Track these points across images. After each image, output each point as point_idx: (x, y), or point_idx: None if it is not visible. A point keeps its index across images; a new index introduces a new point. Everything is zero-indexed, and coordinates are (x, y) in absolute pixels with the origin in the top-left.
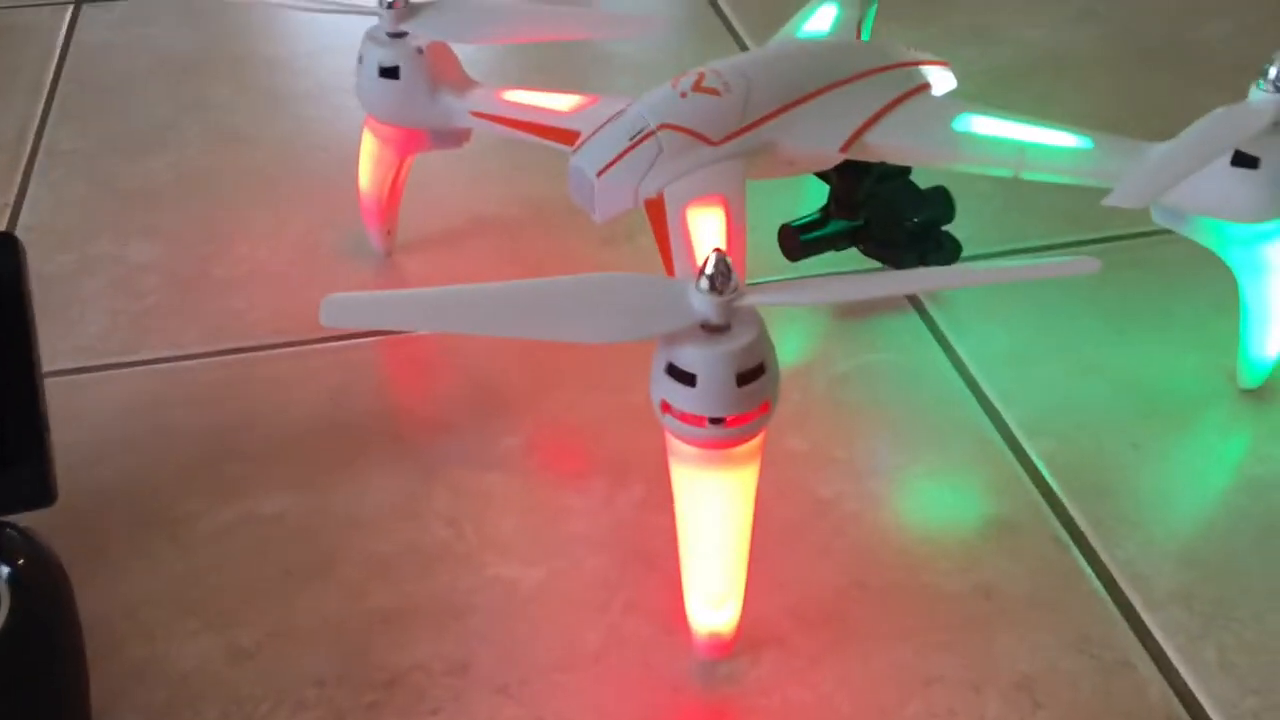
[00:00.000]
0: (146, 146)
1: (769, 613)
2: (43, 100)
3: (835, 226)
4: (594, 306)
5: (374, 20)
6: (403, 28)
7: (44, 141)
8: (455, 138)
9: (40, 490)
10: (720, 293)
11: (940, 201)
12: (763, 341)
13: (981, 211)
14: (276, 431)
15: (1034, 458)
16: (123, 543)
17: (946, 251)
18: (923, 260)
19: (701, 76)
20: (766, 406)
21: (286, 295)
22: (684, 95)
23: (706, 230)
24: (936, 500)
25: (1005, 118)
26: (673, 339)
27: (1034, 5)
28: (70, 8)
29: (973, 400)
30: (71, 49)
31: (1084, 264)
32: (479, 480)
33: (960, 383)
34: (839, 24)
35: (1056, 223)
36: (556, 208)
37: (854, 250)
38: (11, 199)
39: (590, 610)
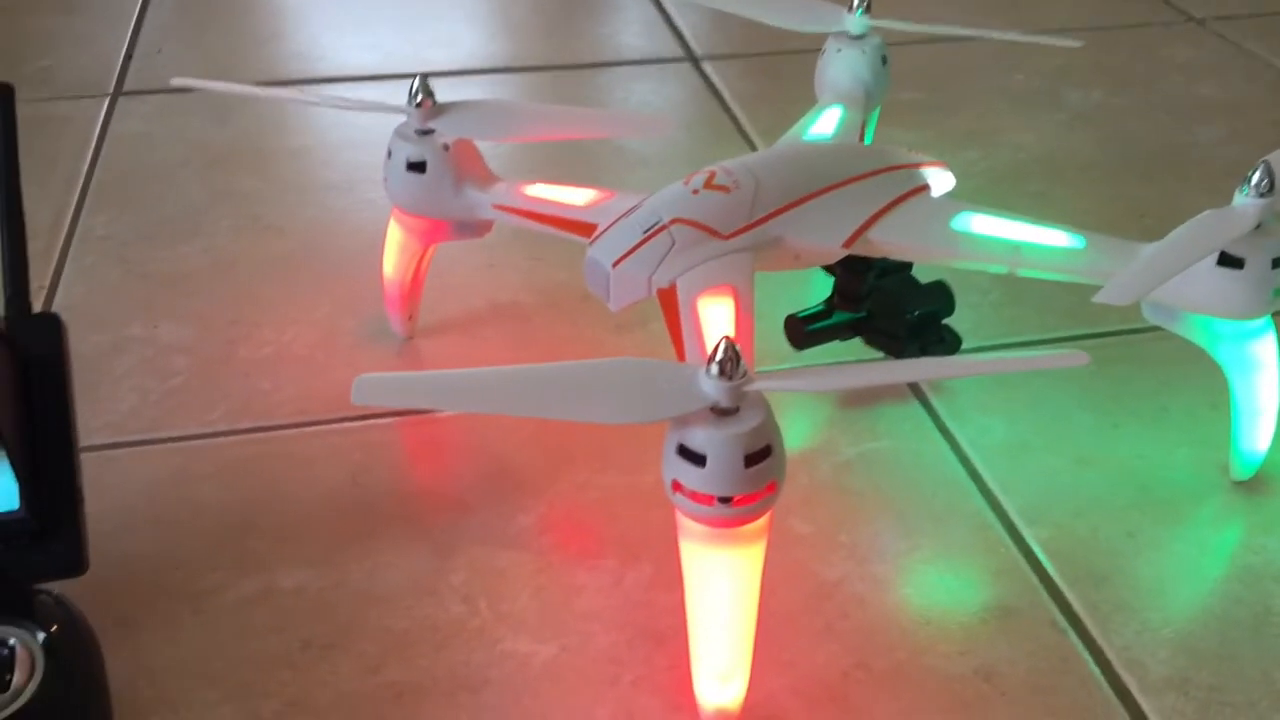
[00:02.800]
0: (177, 233)
1: (774, 691)
2: (79, 188)
3: (839, 318)
4: (609, 390)
5: (402, 117)
6: (430, 125)
7: (79, 227)
8: (477, 229)
9: (73, 560)
10: (729, 378)
11: (940, 295)
12: (769, 424)
13: (980, 305)
14: (297, 508)
15: (1032, 544)
16: (147, 613)
17: (947, 343)
18: (924, 351)
19: (712, 175)
20: (773, 487)
21: (310, 376)
22: (695, 192)
23: (716, 319)
24: (938, 585)
25: (1002, 217)
26: (684, 421)
27: (1029, 111)
28: (106, 99)
29: (973, 488)
30: (107, 139)
31: (1074, 358)
32: (494, 558)
33: (961, 471)
34: (843, 127)
35: (1053, 317)
36: (571, 295)
37: (857, 341)
38: (47, 281)
39: (600, 686)
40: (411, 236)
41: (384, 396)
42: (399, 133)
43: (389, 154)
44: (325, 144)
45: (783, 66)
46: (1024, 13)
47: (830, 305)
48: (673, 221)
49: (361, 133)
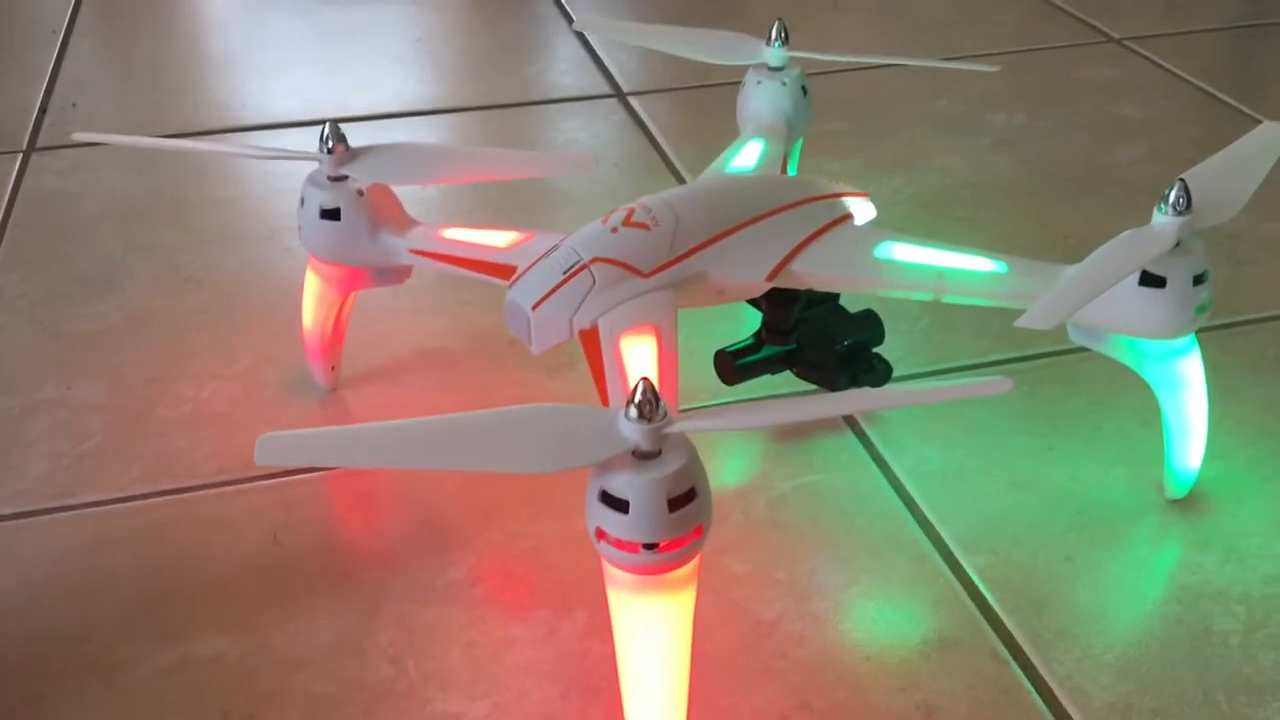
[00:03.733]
0: (92, 291)
1: None
2: None
3: (768, 351)
4: (525, 438)
5: (315, 164)
6: (343, 171)
7: None
8: (396, 275)
9: None
10: (649, 420)
11: (869, 324)
12: (693, 466)
13: (910, 332)
14: (217, 570)
15: (971, 574)
16: (56, 690)
17: (878, 373)
18: (855, 382)
19: (631, 212)
20: (700, 530)
21: (229, 433)
22: (614, 230)
23: (639, 359)
24: (877, 619)
25: (924, 245)
26: (605, 467)
27: (953, 136)
28: (19, 155)
29: (910, 518)
30: (20, 196)
31: (998, 385)
32: (422, 614)
33: (897, 501)
34: (764, 159)
35: (985, 341)
36: (499, 339)
37: (788, 373)
38: None
39: None
40: (329, 285)
41: (289, 455)
42: (311, 179)
43: (302, 201)
44: (248, 195)
45: (708, 100)
46: (946, 37)
47: (759, 339)
48: (593, 261)
49: (285, 181)
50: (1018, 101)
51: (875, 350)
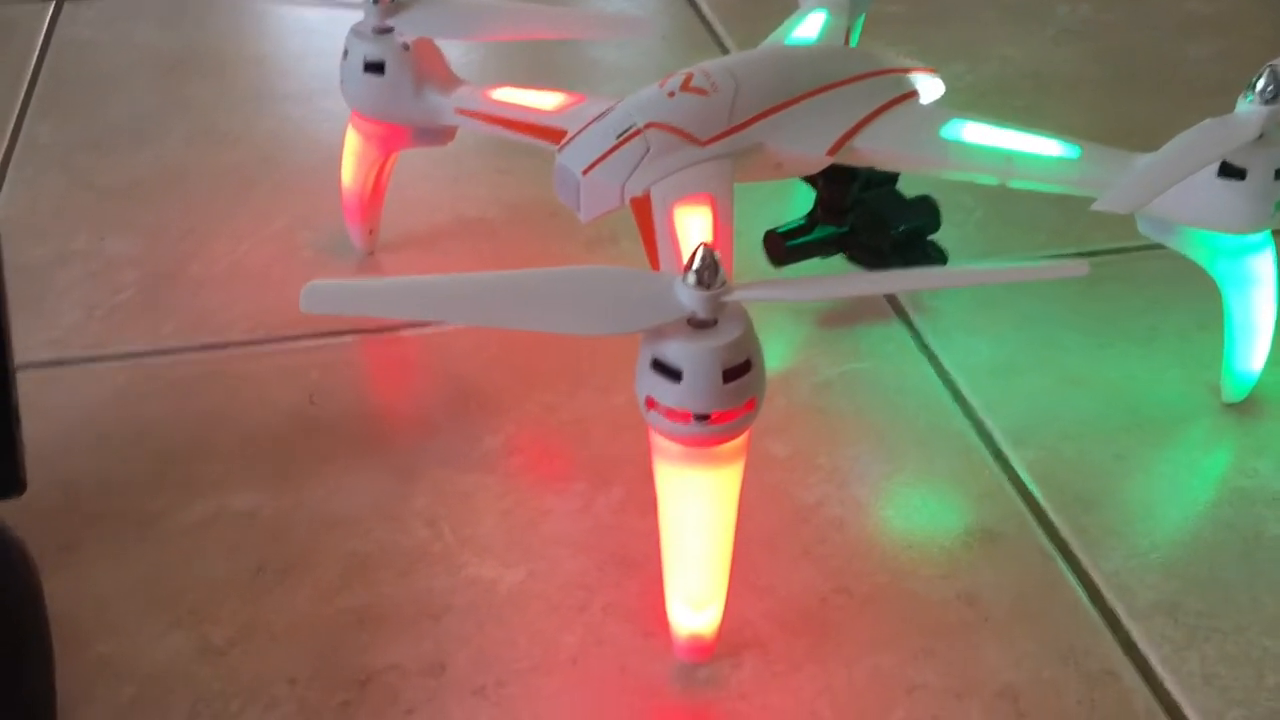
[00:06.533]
0: (126, 142)
1: (750, 617)
2: (21, 95)
3: (821, 233)
4: (580, 299)
5: (359, 15)
6: (389, 23)
7: (22, 135)
8: (439, 135)
9: (9, 480)
10: (708, 287)
11: (926, 210)
12: (750, 338)
13: (964, 223)
14: (251, 428)
15: (1018, 468)
16: (91, 537)
17: (933, 260)
18: (911, 268)
19: (690, 77)
20: (753, 404)
21: (265, 292)
22: (672, 95)
23: (693, 229)
24: (919, 508)
25: (993, 125)
26: (658, 334)
27: (1016, 23)
28: (52, 4)
29: (957, 410)
30: (53, 44)
31: (1074, 268)
32: (459, 481)
33: (944, 392)
34: (827, 31)
35: (1039, 235)
36: (539, 211)
37: (839, 257)
38: None
39: (568, 612)
40: (370, 143)
41: (335, 304)
42: (355, 31)
43: (345, 54)
44: (285, 52)
45: None
46: None
47: (812, 219)
48: (647, 126)
49: (322, 40)
50: None
51: (930, 238)
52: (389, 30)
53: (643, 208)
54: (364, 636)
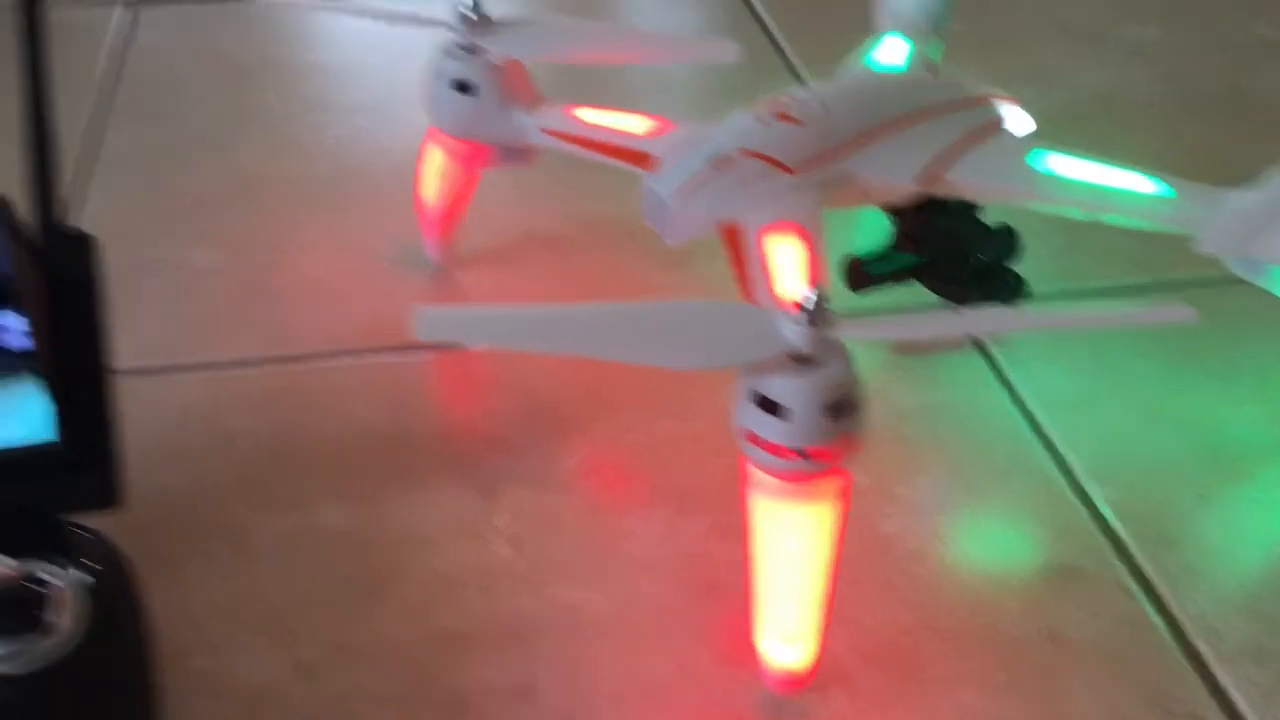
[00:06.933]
0: (204, 151)
1: (835, 649)
2: (98, 102)
3: (902, 260)
4: (683, 332)
5: (442, 32)
6: (479, 43)
7: (106, 143)
8: (523, 155)
9: (107, 492)
10: (816, 325)
11: (1007, 239)
12: (853, 374)
13: (1040, 252)
14: (332, 442)
15: (1099, 504)
16: (183, 550)
17: (1011, 289)
18: (990, 298)
19: (782, 105)
20: (854, 441)
21: (343, 304)
22: (764, 123)
23: (785, 259)
24: (1000, 541)
25: (1083, 158)
26: (760, 368)
27: (1082, 46)
28: (129, 8)
29: (1036, 443)
30: (131, 51)
31: (1180, 312)
32: (539, 501)
33: (1023, 425)
34: (912, 58)
35: (1116, 265)
36: (612, 228)
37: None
38: (70, 199)
39: (654, 638)
40: (452, 161)
41: (448, 331)
42: (445, 50)
43: (433, 72)
44: (353, 61)
45: None
46: None
47: (893, 246)
48: (740, 153)
49: (389, 52)
50: (1149, 13)
51: (1008, 266)
52: (478, 49)
53: (732, 234)
54: (453, 657)
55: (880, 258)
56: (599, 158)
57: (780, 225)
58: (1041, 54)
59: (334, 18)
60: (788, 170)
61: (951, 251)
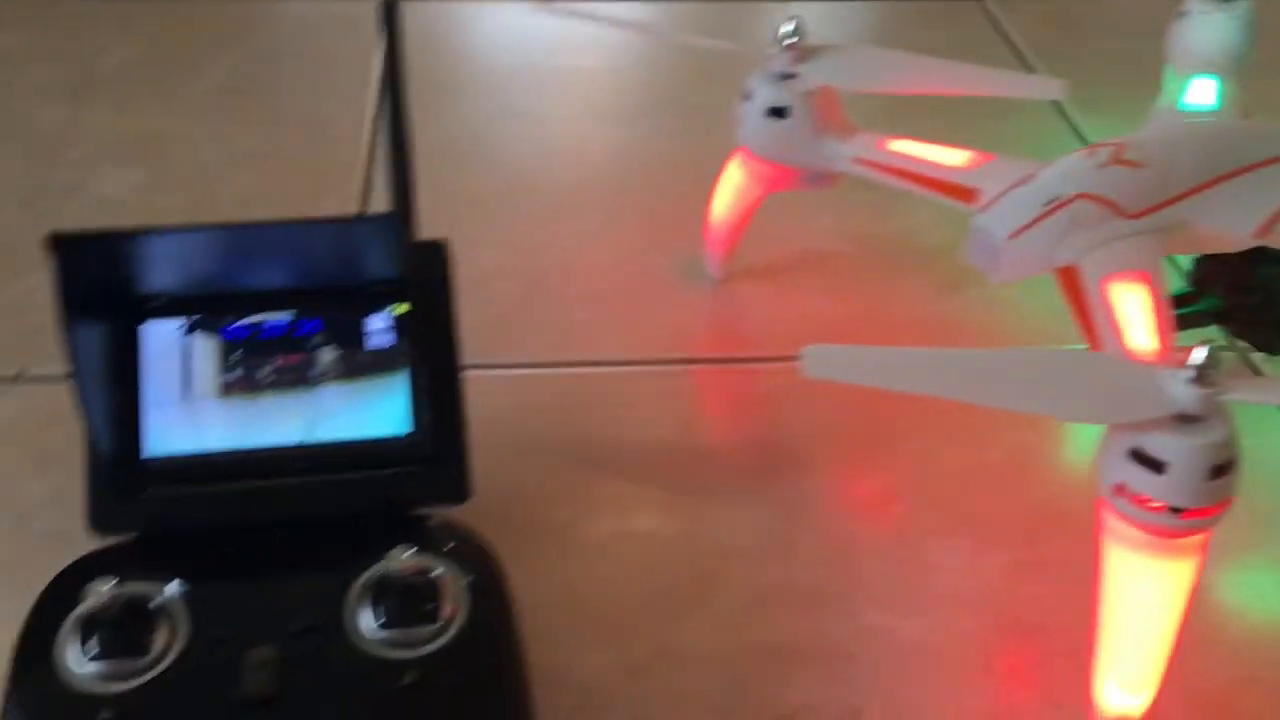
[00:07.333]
0: (474, 152)
1: (1161, 703)
2: (376, 94)
3: (1208, 304)
4: (1068, 383)
5: (741, 54)
6: (796, 69)
7: (377, 142)
8: (826, 180)
9: (459, 486)
10: (1204, 384)
11: None
12: (1235, 435)
13: None
14: (633, 449)
15: None
16: (510, 546)
17: None
18: None
19: (1121, 148)
20: (1229, 502)
21: (630, 313)
22: (1102, 165)
23: (1130, 307)
24: None
25: None
26: (1141, 424)
27: None
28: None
29: None
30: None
31: None
32: (844, 523)
33: None
34: (1225, 101)
35: None
36: (885, 248)
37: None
38: (358, 190)
39: (973, 672)
40: (755, 181)
41: (838, 370)
42: (761, 74)
43: (747, 96)
44: (611, 68)
45: (1082, 11)
46: None
47: (1197, 289)
48: (1076, 196)
49: (634, 64)
50: None
51: None
52: (794, 76)
53: (1069, 278)
54: (775, 672)
55: (1186, 299)
56: (912, 188)
57: (1123, 274)
58: None
59: (581, 23)
60: (1124, 214)
61: (1265, 299)
